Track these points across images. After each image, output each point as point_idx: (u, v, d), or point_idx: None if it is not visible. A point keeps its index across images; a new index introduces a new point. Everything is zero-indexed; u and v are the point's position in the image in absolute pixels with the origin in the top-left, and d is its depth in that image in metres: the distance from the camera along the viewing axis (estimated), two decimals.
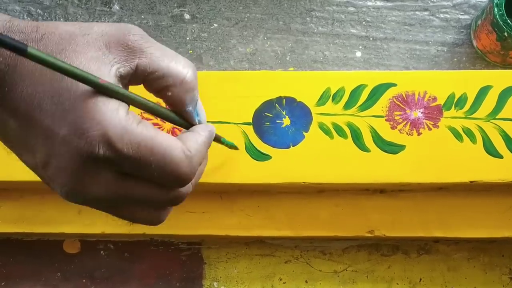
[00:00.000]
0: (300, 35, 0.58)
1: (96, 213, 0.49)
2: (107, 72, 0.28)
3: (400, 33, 0.58)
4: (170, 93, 0.30)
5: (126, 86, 0.30)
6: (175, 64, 0.30)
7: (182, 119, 0.32)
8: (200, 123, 0.33)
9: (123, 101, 0.28)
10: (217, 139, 0.40)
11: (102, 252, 0.51)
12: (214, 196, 0.49)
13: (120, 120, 0.27)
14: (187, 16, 0.59)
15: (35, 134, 0.27)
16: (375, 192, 0.48)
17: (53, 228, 0.49)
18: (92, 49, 0.28)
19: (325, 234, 0.48)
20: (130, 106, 0.29)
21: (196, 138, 0.31)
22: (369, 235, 0.48)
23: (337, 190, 0.48)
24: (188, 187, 0.31)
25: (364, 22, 0.58)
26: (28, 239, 0.52)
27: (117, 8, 0.60)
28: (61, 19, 0.60)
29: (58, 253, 0.51)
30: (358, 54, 0.58)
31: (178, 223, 0.49)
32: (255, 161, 0.46)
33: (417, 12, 0.59)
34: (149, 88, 0.31)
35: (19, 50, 0.24)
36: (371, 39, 0.58)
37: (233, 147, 0.44)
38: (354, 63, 0.57)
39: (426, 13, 0.58)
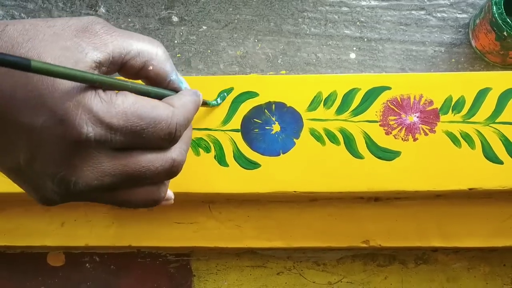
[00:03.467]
0: (292, 37, 0.56)
1: (80, 225, 0.47)
2: (83, 59, 0.26)
3: (396, 34, 0.56)
4: (151, 67, 0.30)
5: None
6: (144, 42, 0.30)
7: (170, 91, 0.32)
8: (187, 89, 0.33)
9: (118, 89, 0.28)
10: (204, 103, 0.40)
11: (87, 264, 0.49)
12: (202, 206, 0.47)
13: (100, 96, 0.26)
14: (175, 19, 0.58)
15: (12, 128, 0.25)
16: (370, 201, 0.46)
17: (36, 241, 0.48)
18: (61, 38, 0.26)
19: (318, 244, 0.46)
20: None
21: (179, 96, 0.31)
22: (364, 245, 0.46)
23: (330, 198, 0.46)
24: (181, 153, 0.31)
25: (358, 23, 0.56)
26: (11, 251, 0.50)
27: (103, 11, 0.58)
28: None
29: (42, 266, 0.50)
30: (352, 55, 0.56)
31: (165, 235, 0.47)
32: (244, 169, 0.44)
33: (413, 12, 0.56)
34: (128, 71, 0.30)
35: (21, 66, 0.22)
36: (365, 40, 0.56)
37: (216, 105, 0.44)
38: (348, 65, 0.55)
39: (422, 12, 0.56)
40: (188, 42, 0.57)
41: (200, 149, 0.45)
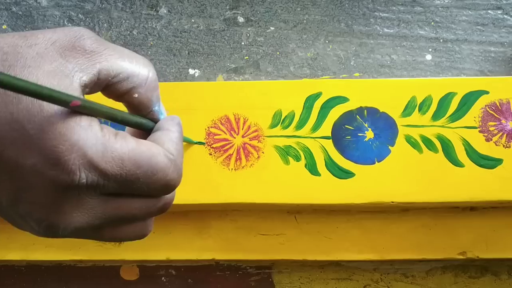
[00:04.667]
0: (364, 38, 0.54)
1: (160, 238, 0.45)
2: (69, 84, 0.24)
3: (473, 34, 0.54)
4: (137, 95, 0.28)
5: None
6: (137, 64, 0.27)
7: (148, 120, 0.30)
8: None
9: (98, 116, 0.25)
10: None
11: (163, 278, 0.47)
12: (288, 216, 0.45)
13: (97, 137, 0.24)
14: (241, 19, 0.55)
15: None
16: (465, 210, 0.44)
17: (111, 255, 0.45)
18: (45, 61, 0.24)
19: (412, 257, 0.44)
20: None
21: (170, 137, 0.28)
22: (461, 257, 0.44)
23: (423, 208, 0.44)
24: (173, 194, 0.29)
25: (433, 23, 0.54)
26: (82, 265, 0.48)
27: (165, 11, 0.56)
28: (105, 24, 0.56)
29: (115, 281, 0.47)
30: (428, 57, 0.53)
31: (250, 247, 0.45)
32: (337, 179, 0.42)
33: (489, 11, 0.54)
34: (112, 93, 0.27)
35: None
36: (441, 40, 0.54)
37: (193, 142, 0.40)
38: (425, 67, 0.53)
39: (499, 11, 0.54)
40: (256, 43, 0.54)
41: (289, 157, 0.42)
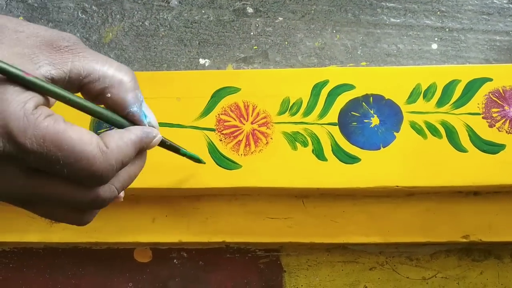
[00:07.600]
0: (371, 27, 0.55)
1: (172, 221, 0.46)
2: (32, 70, 0.26)
3: (478, 23, 0.55)
4: (109, 95, 0.29)
5: None
6: (109, 67, 0.29)
7: (128, 121, 0.30)
8: (150, 125, 0.31)
9: (55, 98, 0.27)
10: (175, 149, 0.35)
11: (175, 260, 0.49)
12: (296, 201, 0.46)
13: (25, 112, 0.25)
14: (250, 10, 0.56)
15: None
16: (469, 195, 0.45)
17: (125, 237, 0.47)
18: (20, 45, 0.26)
19: (417, 240, 0.45)
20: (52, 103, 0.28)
21: (121, 135, 0.29)
22: (464, 240, 0.45)
23: (427, 193, 0.45)
24: (112, 190, 0.29)
25: (439, 12, 0.55)
26: (97, 247, 0.49)
27: (176, 2, 0.57)
28: (117, 16, 0.57)
29: (129, 262, 0.49)
30: (434, 46, 0.54)
31: (258, 230, 0.46)
32: (343, 164, 0.43)
33: (495, 1, 0.55)
34: (86, 94, 0.29)
35: None
36: (447, 30, 0.55)
37: (196, 160, 0.39)
38: (430, 56, 0.54)
39: (505, 1, 0.55)
40: (265, 33, 0.56)
41: (297, 143, 0.44)
